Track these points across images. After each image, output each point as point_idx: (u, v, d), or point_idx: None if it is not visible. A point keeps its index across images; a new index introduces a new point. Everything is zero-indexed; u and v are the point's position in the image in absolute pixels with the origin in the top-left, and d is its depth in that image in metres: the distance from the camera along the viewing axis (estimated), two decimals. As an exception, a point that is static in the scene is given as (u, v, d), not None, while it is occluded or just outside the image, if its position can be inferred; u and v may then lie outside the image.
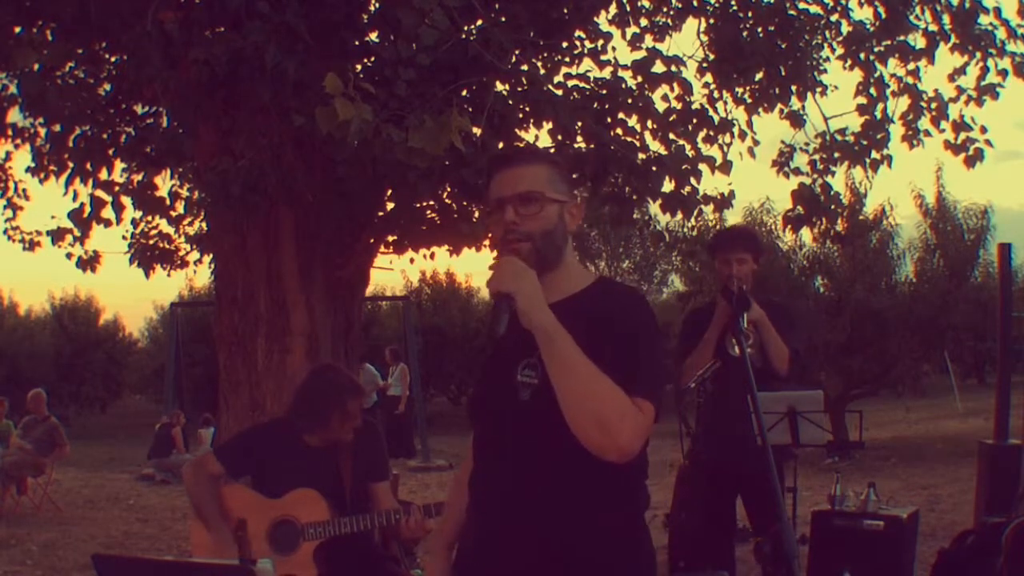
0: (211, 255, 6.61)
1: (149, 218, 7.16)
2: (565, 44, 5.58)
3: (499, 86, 4.85)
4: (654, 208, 5.54)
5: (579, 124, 4.96)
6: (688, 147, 5.39)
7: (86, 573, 6.47)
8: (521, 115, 5.04)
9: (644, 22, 6.21)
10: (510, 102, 4.86)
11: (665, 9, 6.22)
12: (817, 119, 5.96)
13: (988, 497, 6.22)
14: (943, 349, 15.92)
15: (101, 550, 6.83)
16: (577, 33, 5.59)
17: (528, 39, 4.83)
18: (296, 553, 3.73)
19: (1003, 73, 5.88)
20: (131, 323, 25.61)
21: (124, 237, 7.20)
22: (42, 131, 6.30)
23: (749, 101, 5.89)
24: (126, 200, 6.02)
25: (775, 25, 5.55)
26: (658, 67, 5.16)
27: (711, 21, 5.83)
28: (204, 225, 7.18)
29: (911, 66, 5.98)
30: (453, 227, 5.69)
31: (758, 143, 5.89)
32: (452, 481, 2.55)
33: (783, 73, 5.67)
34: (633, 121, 5.28)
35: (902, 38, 5.85)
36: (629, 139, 5.22)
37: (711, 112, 5.63)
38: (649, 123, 5.34)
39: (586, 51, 5.67)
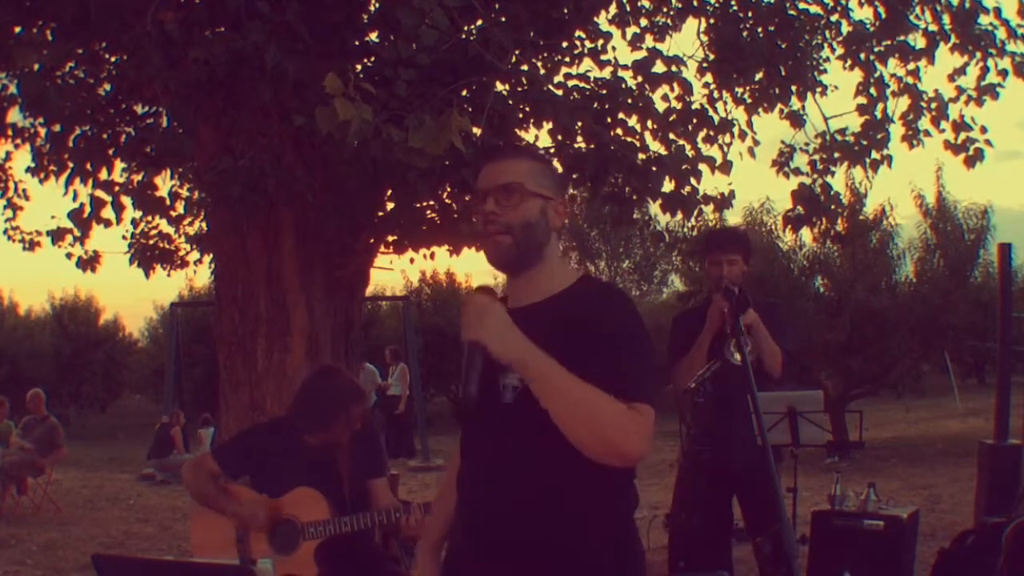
0: (211, 255, 6.61)
1: (149, 218, 7.16)
2: (565, 44, 5.57)
3: (499, 86, 4.85)
4: (654, 208, 5.53)
5: (579, 124, 4.95)
6: (688, 147, 5.38)
7: (86, 573, 6.48)
8: (521, 115, 5.04)
9: (644, 22, 6.21)
10: (510, 102, 4.86)
11: (665, 9, 6.22)
12: (817, 119, 5.96)
13: (988, 497, 6.23)
14: (943, 349, 15.93)
15: (101, 550, 6.83)
16: (577, 33, 5.59)
17: (528, 39, 4.82)
18: (296, 553, 3.73)
19: (1003, 73, 5.88)
20: (131, 323, 25.63)
21: (124, 237, 7.21)
22: (42, 131, 6.30)
23: (749, 101, 5.88)
24: (126, 200, 6.01)
25: (775, 25, 5.55)
26: (658, 67, 5.16)
27: (711, 21, 5.83)
28: (204, 225, 7.18)
29: (911, 66, 5.97)
30: (453, 227, 5.68)
31: (758, 143, 5.89)
32: (441, 481, 2.55)
33: (783, 73, 5.66)
34: (633, 121, 5.28)
35: (902, 38, 5.84)
36: (629, 139, 5.21)
37: (711, 112, 5.63)
38: (649, 123, 5.34)
39: (586, 51, 5.66)
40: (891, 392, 16.53)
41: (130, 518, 9.34)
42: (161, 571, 2.51)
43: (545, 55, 5.56)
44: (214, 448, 4.31)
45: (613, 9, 6.05)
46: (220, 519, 3.80)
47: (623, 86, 5.16)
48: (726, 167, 5.40)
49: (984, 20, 5.78)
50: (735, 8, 5.65)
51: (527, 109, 4.98)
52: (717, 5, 5.81)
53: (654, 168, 5.11)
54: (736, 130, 5.75)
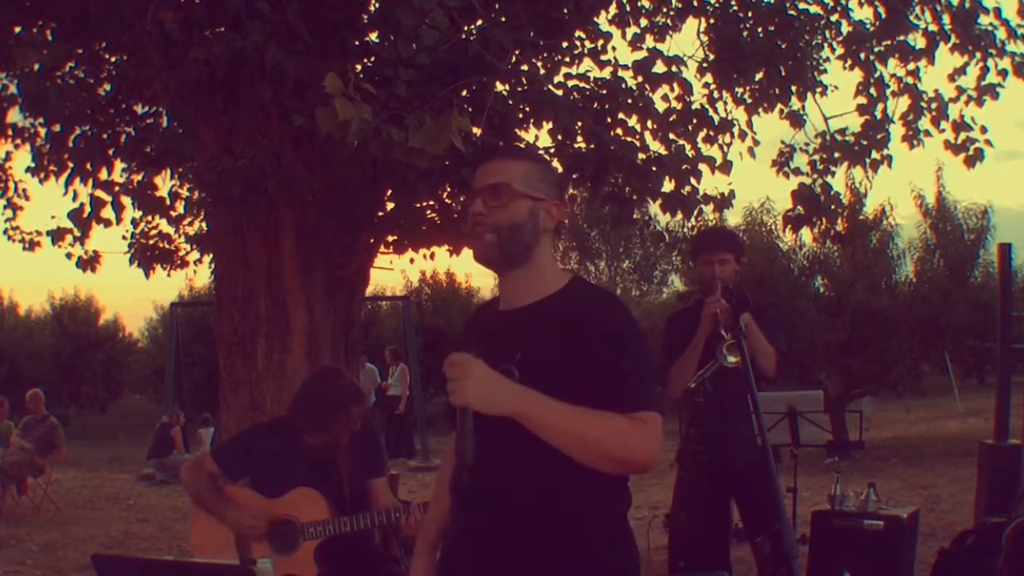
0: (211, 255, 6.62)
1: (149, 218, 7.16)
2: (565, 44, 5.58)
3: (499, 86, 4.85)
4: (654, 208, 5.54)
5: (579, 124, 4.95)
6: (688, 147, 5.38)
7: (86, 573, 6.47)
8: (521, 115, 5.04)
9: (644, 22, 6.22)
10: (510, 102, 4.86)
11: (665, 9, 6.22)
12: (817, 119, 5.96)
13: (988, 497, 6.22)
14: (943, 349, 15.93)
15: (101, 550, 6.83)
16: (577, 33, 5.59)
17: (528, 39, 4.83)
18: (296, 553, 3.73)
19: (1003, 73, 5.88)
20: (131, 323, 25.67)
21: (124, 237, 7.22)
22: (42, 131, 6.30)
23: (749, 101, 5.88)
24: (126, 200, 6.01)
25: (775, 25, 5.55)
26: (658, 67, 5.16)
27: (711, 21, 5.83)
28: (204, 225, 7.19)
29: (911, 66, 5.97)
30: (453, 227, 5.68)
31: (758, 143, 5.90)
32: (435, 482, 2.55)
33: (783, 73, 5.66)
34: (633, 121, 5.28)
35: (902, 38, 5.84)
36: (629, 139, 5.21)
37: (711, 112, 5.63)
38: (649, 123, 5.34)
39: (586, 51, 5.67)
40: (891, 392, 16.52)
41: (130, 518, 9.33)
42: (161, 571, 2.51)
43: (545, 55, 5.57)
44: (214, 449, 4.31)
45: (613, 9, 6.05)
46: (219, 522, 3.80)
47: (623, 86, 5.16)
48: (726, 167, 5.40)
49: (984, 20, 5.79)
50: (735, 8, 5.66)
51: (527, 109, 4.98)
52: (717, 5, 5.81)
53: (654, 168, 5.11)
54: (736, 130, 5.76)
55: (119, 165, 6.16)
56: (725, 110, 5.86)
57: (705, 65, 5.94)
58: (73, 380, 22.84)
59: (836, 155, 5.80)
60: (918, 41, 5.89)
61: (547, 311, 2.12)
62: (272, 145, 4.87)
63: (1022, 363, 13.11)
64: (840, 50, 5.99)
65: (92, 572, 2.32)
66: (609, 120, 5.12)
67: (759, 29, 5.58)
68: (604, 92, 5.12)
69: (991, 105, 5.96)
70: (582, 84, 5.23)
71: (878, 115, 5.83)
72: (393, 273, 65.34)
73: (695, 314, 4.45)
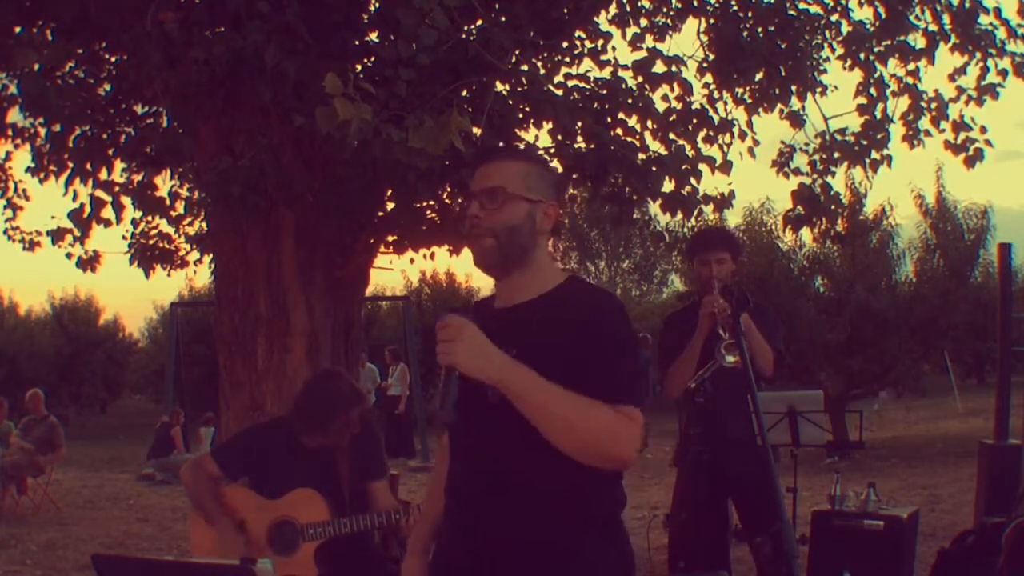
0: (211, 255, 6.61)
1: (149, 218, 7.16)
2: (565, 44, 5.57)
3: (499, 86, 4.85)
4: (654, 208, 5.53)
5: (579, 124, 4.95)
6: (688, 147, 5.38)
7: (86, 573, 6.47)
8: (521, 115, 5.04)
9: (644, 22, 6.21)
10: (510, 102, 4.86)
11: (665, 9, 6.22)
12: (817, 119, 5.96)
13: (988, 497, 6.22)
14: (943, 349, 15.93)
15: (101, 550, 6.83)
16: (577, 33, 5.59)
17: (528, 39, 4.83)
18: (296, 553, 3.73)
19: (1003, 73, 5.88)
20: (131, 323, 25.67)
21: (124, 237, 7.21)
22: (42, 131, 6.30)
23: (749, 101, 5.88)
24: (126, 200, 6.01)
25: (775, 25, 5.55)
26: (658, 67, 5.15)
27: (711, 21, 5.83)
28: (204, 225, 7.18)
29: (911, 66, 5.97)
30: (453, 227, 5.68)
31: (758, 143, 5.89)
32: (429, 482, 2.55)
33: (783, 73, 5.66)
34: (633, 121, 5.27)
35: (902, 38, 5.84)
36: (629, 139, 5.21)
37: (711, 112, 5.63)
38: (649, 123, 5.34)
39: (586, 51, 5.67)
40: (891, 392, 16.53)
41: (130, 518, 9.33)
42: (161, 571, 2.51)
43: (545, 55, 5.57)
44: (213, 449, 4.31)
45: (613, 9, 6.05)
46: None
47: (623, 86, 5.16)
48: (726, 167, 5.40)
49: (984, 20, 5.79)
50: (735, 8, 5.65)
51: (527, 109, 4.98)
52: (717, 5, 5.81)
53: (654, 168, 5.11)
54: (736, 130, 5.75)
55: (119, 165, 6.15)
56: (725, 110, 5.86)
57: (705, 65, 5.94)
58: (73, 380, 22.83)
59: (836, 155, 5.79)
60: (918, 41, 5.90)
61: (543, 308, 2.13)
62: (272, 145, 4.87)
63: (1022, 363, 13.11)
64: (840, 50, 5.99)
65: (92, 572, 2.32)
66: (609, 120, 5.12)
67: (759, 29, 5.58)
68: (604, 92, 5.11)
69: (991, 105, 5.96)
70: (582, 84, 5.22)
71: (878, 115, 5.83)
72: (393, 273, 65.40)
73: (693, 314, 4.44)
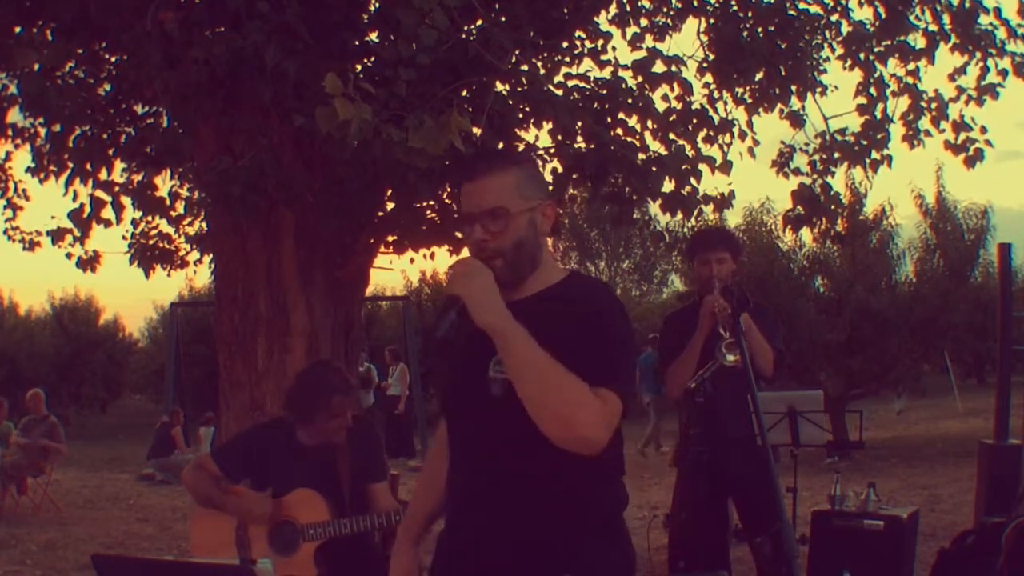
0: (211, 255, 6.61)
1: (149, 218, 7.15)
2: (565, 44, 5.57)
3: (499, 86, 4.84)
4: (654, 208, 5.53)
5: (579, 124, 4.95)
6: (688, 147, 5.38)
7: (86, 573, 6.47)
8: (521, 115, 5.04)
9: (644, 22, 6.21)
10: (510, 102, 4.85)
11: (665, 9, 6.22)
12: (817, 119, 5.96)
13: (988, 497, 6.22)
14: (943, 349, 15.93)
15: (101, 550, 6.83)
16: (577, 33, 5.59)
17: (528, 39, 4.82)
18: (296, 554, 3.73)
19: (1003, 73, 5.88)
20: (131, 323, 25.73)
21: (124, 237, 7.21)
22: (42, 131, 6.29)
23: (749, 101, 5.88)
24: (126, 200, 6.01)
25: (775, 25, 5.55)
26: (658, 67, 5.15)
27: (711, 21, 5.83)
28: (204, 225, 7.18)
29: (911, 66, 5.97)
30: (453, 227, 5.68)
31: (758, 143, 5.89)
32: (420, 477, 2.55)
33: (783, 73, 5.66)
34: (633, 121, 5.27)
35: (902, 38, 5.84)
36: (629, 139, 5.21)
37: (711, 112, 5.62)
38: (649, 123, 5.34)
39: (586, 51, 5.66)
40: (891, 392, 16.53)
41: (130, 518, 9.34)
42: (161, 571, 2.51)
43: (545, 55, 5.56)
44: (214, 450, 4.31)
45: (613, 9, 6.05)
46: (220, 519, 3.79)
47: (623, 86, 5.16)
48: (726, 167, 5.39)
49: (984, 20, 5.79)
50: (735, 8, 5.65)
51: (527, 109, 4.98)
52: (717, 5, 5.81)
53: (654, 168, 5.11)
54: (736, 130, 5.75)
55: (119, 165, 6.15)
56: (725, 110, 5.86)
57: (705, 65, 5.94)
58: (73, 380, 22.85)
59: (836, 155, 5.79)
60: (918, 41, 5.89)
61: (545, 300, 2.14)
62: (272, 145, 4.87)
63: (1022, 363, 13.11)
64: (840, 50, 5.99)
65: (92, 572, 2.32)
66: (609, 120, 5.12)
67: (759, 29, 5.58)
68: (604, 92, 5.11)
69: (991, 105, 5.96)
70: (582, 84, 5.22)
71: (878, 115, 5.83)
72: (393, 273, 65.44)
73: (693, 314, 4.45)
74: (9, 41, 4.82)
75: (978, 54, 5.85)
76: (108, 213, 5.73)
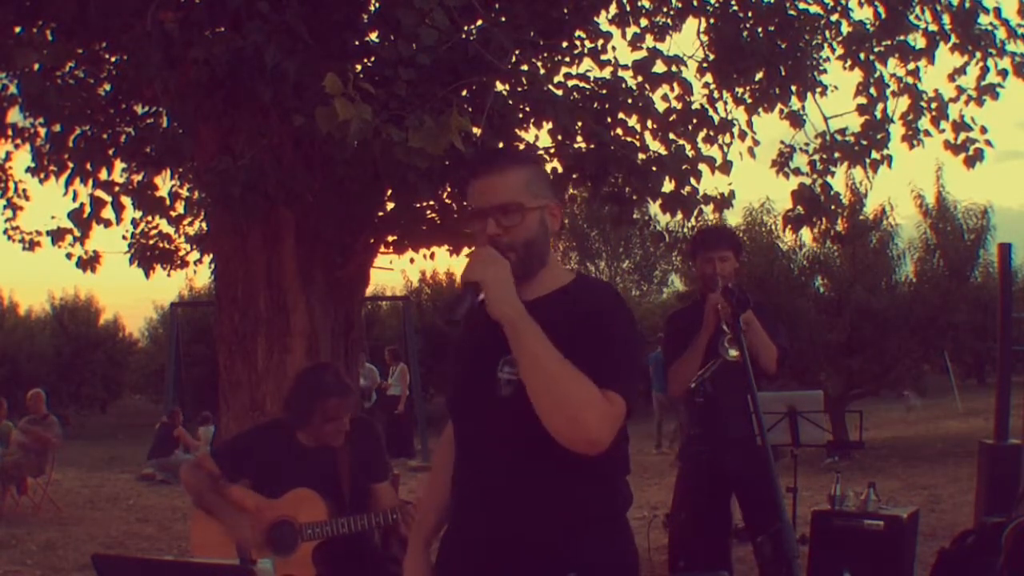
0: (211, 255, 6.61)
1: (149, 218, 7.16)
2: (565, 44, 5.57)
3: (499, 86, 4.84)
4: (654, 208, 5.53)
5: (579, 124, 4.95)
6: (688, 147, 5.38)
7: (86, 573, 6.47)
8: (521, 115, 5.04)
9: (644, 22, 6.21)
10: (510, 102, 4.85)
11: (665, 9, 6.22)
12: (817, 119, 5.96)
13: (988, 497, 6.22)
14: (943, 349, 15.92)
15: (101, 550, 6.83)
16: (577, 33, 5.58)
17: (528, 39, 4.82)
18: (295, 554, 3.73)
19: (1003, 73, 5.88)
20: (131, 323, 25.71)
21: (124, 237, 7.22)
22: (42, 131, 6.30)
23: (749, 101, 5.88)
24: (126, 200, 6.00)
25: (775, 25, 5.55)
26: (658, 67, 5.15)
27: (711, 21, 5.83)
28: (204, 225, 7.19)
29: (911, 66, 5.97)
30: (453, 227, 5.69)
31: (758, 143, 5.89)
32: (426, 478, 2.55)
33: (783, 73, 5.66)
34: (633, 121, 5.27)
35: (902, 38, 5.84)
36: (629, 139, 5.21)
37: (711, 112, 5.63)
38: (649, 123, 5.34)
39: (586, 51, 5.66)
40: (891, 392, 16.53)
41: (130, 518, 9.33)
42: (161, 571, 2.51)
43: (545, 55, 5.56)
44: (213, 449, 4.31)
45: (613, 9, 6.05)
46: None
47: (623, 86, 5.16)
48: (726, 167, 5.40)
49: (984, 20, 5.79)
50: (735, 8, 5.65)
51: (527, 109, 4.98)
52: (717, 5, 5.81)
53: (654, 168, 5.11)
54: (736, 130, 5.75)
55: (119, 165, 6.15)
56: (725, 110, 5.86)
57: (705, 65, 5.94)
58: (73, 380, 22.84)
59: (836, 155, 5.79)
60: (918, 41, 5.89)
61: (553, 303, 2.14)
62: (272, 145, 4.87)
63: (1022, 363, 13.11)
64: (840, 50, 5.99)
65: (92, 572, 2.32)
66: (609, 120, 5.12)
67: (759, 29, 5.58)
68: (604, 92, 5.11)
69: (991, 105, 5.96)
70: (582, 84, 5.22)
71: (878, 115, 5.83)
72: (393, 273, 65.43)
73: (695, 312, 4.45)
74: (9, 41, 4.82)
75: (978, 54, 5.85)
76: (108, 213, 5.73)
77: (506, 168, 2.19)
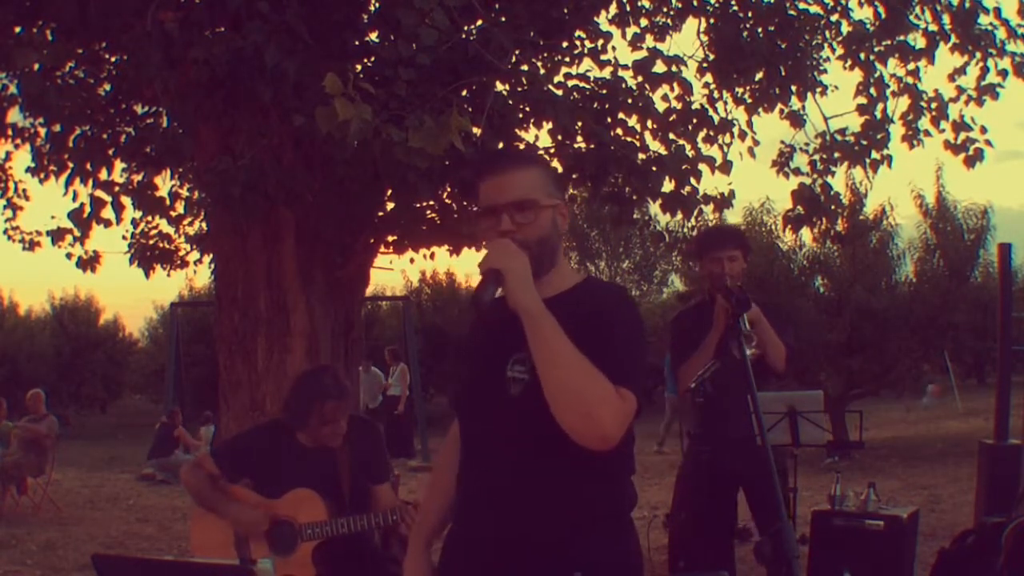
0: (211, 255, 6.62)
1: (149, 218, 7.17)
2: (565, 44, 5.57)
3: (499, 86, 4.84)
4: (654, 208, 5.54)
5: (579, 124, 4.95)
6: (688, 147, 5.38)
7: (86, 573, 6.47)
8: (521, 115, 5.04)
9: (644, 22, 6.22)
10: (510, 102, 4.86)
11: (665, 9, 6.22)
12: (817, 119, 5.96)
13: (988, 497, 6.22)
14: (943, 349, 15.92)
15: (101, 550, 6.82)
16: (577, 33, 5.59)
17: (528, 39, 4.83)
18: (295, 554, 3.73)
19: (1003, 73, 5.88)
20: (131, 323, 25.73)
21: (124, 237, 7.23)
22: (42, 131, 6.30)
23: (749, 101, 5.88)
24: (126, 200, 6.01)
25: (775, 25, 5.55)
26: (658, 67, 5.15)
27: (711, 21, 5.83)
28: (204, 225, 7.19)
29: (911, 66, 5.97)
30: (453, 227, 5.69)
31: (758, 143, 5.89)
32: (429, 477, 2.54)
33: (783, 73, 5.66)
34: (633, 121, 5.27)
35: (902, 38, 5.84)
36: (629, 139, 5.21)
37: (711, 112, 5.63)
38: (649, 123, 5.34)
39: (586, 51, 5.67)
40: (891, 392, 16.53)
41: (130, 518, 9.33)
42: (161, 571, 2.51)
43: (545, 55, 5.56)
44: (213, 449, 4.31)
45: (613, 9, 6.05)
46: (220, 519, 3.80)
47: (623, 86, 5.16)
48: (726, 167, 5.40)
49: (984, 20, 5.79)
50: (735, 8, 5.65)
51: (527, 109, 4.98)
52: (717, 5, 5.81)
53: (654, 168, 5.11)
54: (736, 130, 5.76)
55: (119, 165, 6.16)
56: (725, 110, 5.87)
57: (705, 65, 5.94)
58: (73, 380, 22.85)
59: (836, 155, 5.79)
60: (918, 41, 5.90)
61: (563, 304, 2.14)
62: (272, 145, 4.87)
63: (1022, 363, 13.10)
64: (840, 50, 5.99)
65: (92, 572, 2.32)
66: (609, 120, 5.12)
67: (759, 29, 5.58)
68: (604, 92, 5.12)
69: (991, 105, 5.96)
70: (582, 84, 5.22)
71: (878, 115, 5.83)
72: (393, 273, 65.49)
73: (701, 312, 4.44)
74: (9, 41, 4.82)
75: (978, 54, 5.85)
76: (108, 213, 5.73)
77: (521, 166, 2.22)
